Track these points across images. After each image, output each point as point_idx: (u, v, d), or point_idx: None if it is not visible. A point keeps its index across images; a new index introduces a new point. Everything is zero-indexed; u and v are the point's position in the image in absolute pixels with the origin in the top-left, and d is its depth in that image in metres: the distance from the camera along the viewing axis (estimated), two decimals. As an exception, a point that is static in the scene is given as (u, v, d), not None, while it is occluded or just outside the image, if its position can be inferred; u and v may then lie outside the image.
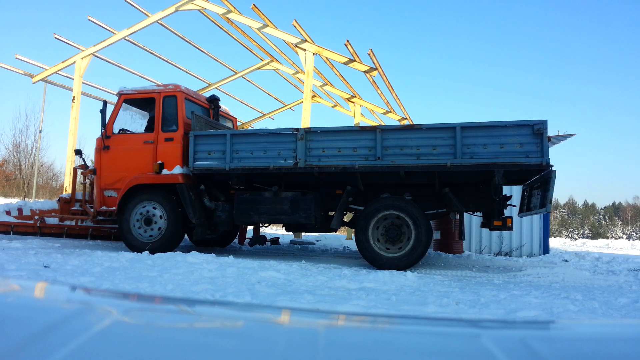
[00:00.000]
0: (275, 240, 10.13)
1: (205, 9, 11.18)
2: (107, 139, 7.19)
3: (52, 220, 9.06)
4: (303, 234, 11.45)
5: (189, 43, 13.36)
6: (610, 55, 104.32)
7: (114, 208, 7.05)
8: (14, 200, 14.48)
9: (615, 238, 43.71)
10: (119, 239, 7.81)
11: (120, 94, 7.33)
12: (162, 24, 12.07)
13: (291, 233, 11.76)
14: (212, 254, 5.93)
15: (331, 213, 7.04)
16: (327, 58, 11.34)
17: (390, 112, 14.62)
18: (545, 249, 10.01)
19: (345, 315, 0.82)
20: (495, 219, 6.23)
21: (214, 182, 7.19)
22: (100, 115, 7.12)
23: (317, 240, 11.47)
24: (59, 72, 12.99)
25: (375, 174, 6.14)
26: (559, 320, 2.50)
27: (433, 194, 6.43)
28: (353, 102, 14.57)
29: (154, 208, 6.84)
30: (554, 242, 18.94)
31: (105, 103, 7.21)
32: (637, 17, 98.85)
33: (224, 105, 8.29)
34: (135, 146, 7.09)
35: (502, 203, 6.49)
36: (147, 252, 6.29)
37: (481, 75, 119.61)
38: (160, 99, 7.09)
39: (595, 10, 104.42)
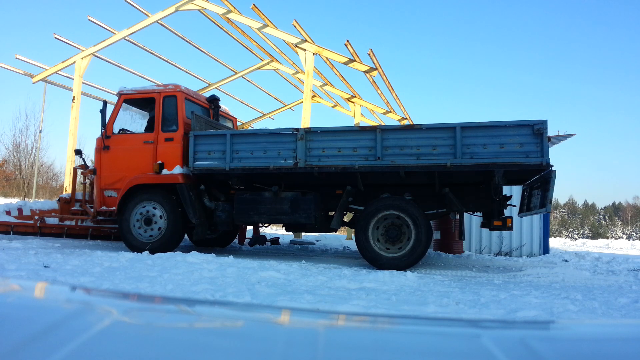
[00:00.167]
0: (275, 240, 10.13)
1: (205, 9, 11.18)
2: (107, 139, 7.19)
3: (52, 220, 9.06)
4: (303, 234, 11.45)
5: (189, 43, 13.36)
6: (610, 55, 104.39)
7: (114, 208, 7.05)
8: (14, 200, 14.47)
9: (615, 238, 43.70)
10: (119, 239, 7.81)
11: (120, 94, 7.33)
12: (162, 24, 12.07)
13: (291, 233, 11.76)
14: (212, 254, 5.93)
15: (331, 213, 7.04)
16: (327, 58, 11.34)
17: (390, 112, 14.62)
18: (545, 249, 10.01)
19: (345, 315, 0.82)
20: (495, 219, 6.23)
21: (214, 182, 7.19)
22: (100, 115, 7.12)
23: (317, 240, 11.48)
24: (59, 72, 12.99)
25: (375, 174, 6.14)
26: (559, 320, 2.50)
27: (433, 194, 6.43)
28: (353, 102, 14.57)
29: (154, 208, 6.84)
30: (554, 242, 18.94)
31: (105, 103, 7.21)
32: (637, 17, 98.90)
33: (224, 105, 8.29)
34: (135, 146, 7.09)
35: (502, 203, 6.49)
36: (147, 252, 6.29)
37: (481, 75, 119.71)
38: (160, 99, 7.09)
39: (595, 10, 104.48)
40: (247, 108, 18.15)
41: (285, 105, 18.66)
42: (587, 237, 46.85)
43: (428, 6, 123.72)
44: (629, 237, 54.10)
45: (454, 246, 9.02)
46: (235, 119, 8.86)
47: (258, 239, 9.36)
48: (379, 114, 15.58)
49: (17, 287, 0.87)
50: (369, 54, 10.25)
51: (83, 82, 12.68)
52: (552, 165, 5.41)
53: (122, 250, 6.45)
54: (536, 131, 5.37)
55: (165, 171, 6.81)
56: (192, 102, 7.35)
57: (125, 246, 6.97)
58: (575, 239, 28.66)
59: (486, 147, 5.55)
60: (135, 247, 6.70)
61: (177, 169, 6.77)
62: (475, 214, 7.23)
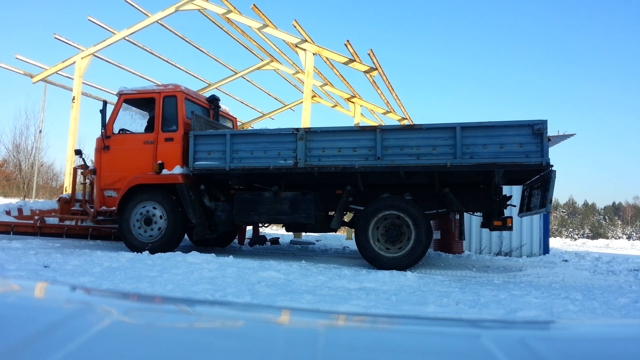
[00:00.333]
0: (275, 240, 10.13)
1: (205, 9, 11.18)
2: (107, 139, 7.19)
3: (52, 220, 9.06)
4: (303, 234, 11.45)
5: (189, 43, 13.36)
6: (610, 55, 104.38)
7: (114, 208, 7.05)
8: (14, 200, 14.48)
9: (615, 238, 43.70)
10: (119, 239, 7.81)
11: (120, 94, 7.33)
12: (162, 24, 12.07)
13: (291, 233, 11.75)
14: (212, 254, 5.93)
15: (331, 213, 7.04)
16: (327, 58, 11.34)
17: (390, 112, 14.63)
18: (545, 249, 10.01)
19: (345, 315, 0.82)
20: (495, 219, 6.23)
21: (214, 182, 7.19)
22: (100, 115, 7.13)
23: (317, 240, 11.48)
24: (59, 72, 12.99)
25: (375, 174, 6.14)
26: (559, 320, 2.50)
27: (433, 194, 6.43)
28: (353, 102, 14.57)
29: (154, 208, 6.84)
30: (554, 242, 18.93)
31: (105, 103, 7.21)
32: (637, 17, 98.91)
33: (224, 105, 8.29)
34: (135, 146, 7.09)
35: (502, 203, 6.49)
36: (147, 252, 6.29)
37: (481, 75, 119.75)
38: (160, 99, 7.09)
39: (595, 10, 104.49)
40: (247, 108, 18.18)
41: (285, 105, 18.66)
42: (587, 237, 46.84)
43: (428, 6, 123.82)
44: (629, 237, 54.10)
45: (454, 246, 9.01)
46: (235, 119, 8.86)
47: (258, 239, 9.36)
48: (379, 114, 15.58)
49: (17, 287, 0.87)
50: (369, 54, 10.25)
51: (83, 82, 12.68)
52: (552, 165, 5.42)
53: (122, 250, 6.46)
54: (536, 131, 5.37)
55: (165, 171, 6.81)
56: (192, 102, 7.35)
57: (125, 246, 6.96)
58: (575, 239, 28.66)
59: (486, 147, 5.55)
60: (135, 247, 6.70)
61: (177, 169, 6.77)
62: (475, 214, 7.23)
